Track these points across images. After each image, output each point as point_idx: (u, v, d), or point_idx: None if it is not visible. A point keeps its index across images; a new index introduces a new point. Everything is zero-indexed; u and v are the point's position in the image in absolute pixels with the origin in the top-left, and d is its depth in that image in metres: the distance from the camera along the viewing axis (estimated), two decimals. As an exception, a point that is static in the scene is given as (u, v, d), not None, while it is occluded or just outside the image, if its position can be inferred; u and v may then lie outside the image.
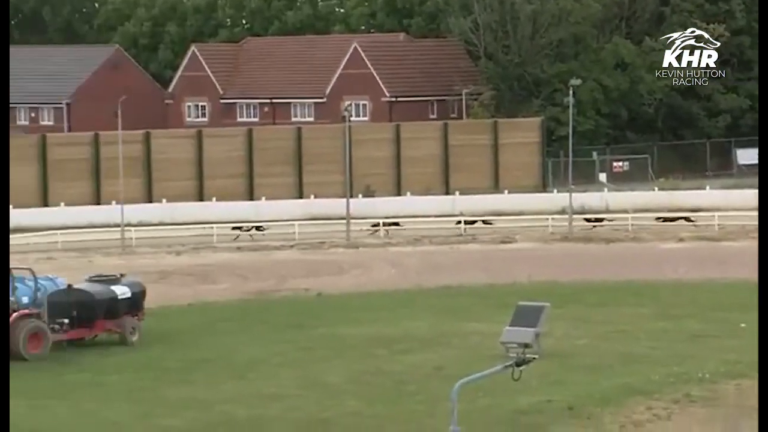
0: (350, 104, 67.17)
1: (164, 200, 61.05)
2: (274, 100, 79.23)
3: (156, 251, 51.91)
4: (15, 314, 32.06)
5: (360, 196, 61.57)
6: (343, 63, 76.82)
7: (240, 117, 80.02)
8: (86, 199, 61.21)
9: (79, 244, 52.76)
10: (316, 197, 62.17)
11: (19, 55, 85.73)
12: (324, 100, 77.40)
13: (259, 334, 34.81)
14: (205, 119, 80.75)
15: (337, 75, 77.05)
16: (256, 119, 78.85)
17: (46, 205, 60.55)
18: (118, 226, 53.09)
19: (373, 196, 63.28)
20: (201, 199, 62.68)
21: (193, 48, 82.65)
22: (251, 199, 63.18)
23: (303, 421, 26.01)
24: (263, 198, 62.26)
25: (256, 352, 32.48)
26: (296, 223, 56.47)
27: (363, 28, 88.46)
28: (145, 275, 40.89)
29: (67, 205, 59.42)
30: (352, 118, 61.96)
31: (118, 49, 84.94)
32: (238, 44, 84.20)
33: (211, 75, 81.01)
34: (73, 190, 61.20)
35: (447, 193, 64.99)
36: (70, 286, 33.74)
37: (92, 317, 33.35)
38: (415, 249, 52.49)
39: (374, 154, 65.59)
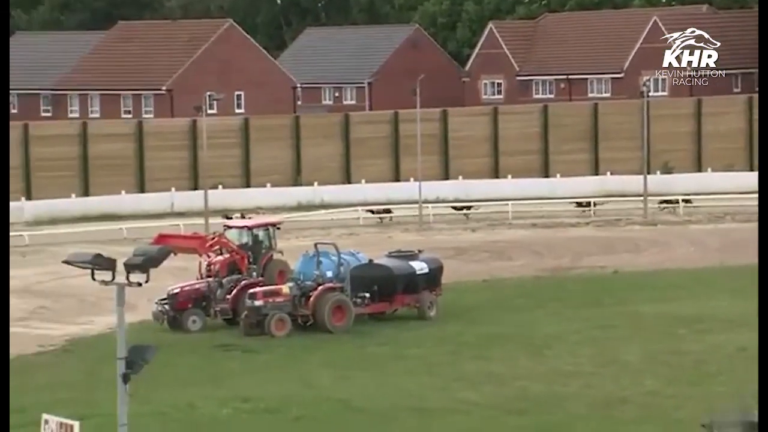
0: (649, 79, 65.80)
1: (460, 177, 61.78)
2: (570, 76, 78.61)
3: (452, 227, 52.63)
4: (320, 287, 33.28)
5: (658, 172, 60.33)
6: (642, 37, 75.30)
7: (535, 94, 79.85)
8: (385, 176, 62.70)
9: (378, 220, 54.15)
10: (611, 174, 61.37)
11: (325, 37, 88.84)
12: (621, 75, 76.16)
13: (555, 311, 34.73)
14: (501, 96, 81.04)
15: (635, 50, 75.62)
16: (552, 96, 78.47)
17: (348, 181, 62.41)
18: (415, 202, 54.14)
19: (671, 172, 61.86)
20: (496, 176, 63.03)
21: (490, 25, 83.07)
22: (546, 176, 63.02)
23: (600, 398, 25.80)
24: (558, 175, 62.00)
25: (552, 328, 32.44)
26: (592, 199, 55.96)
27: (663, 1, 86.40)
28: (441, 251, 41.52)
29: (367, 181, 61.09)
30: (650, 94, 60.69)
31: (418, 29, 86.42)
32: (534, 21, 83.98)
33: (507, 52, 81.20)
34: (373, 168, 62.81)
35: (751, 169, 62.75)
36: (371, 261, 34.68)
37: (392, 292, 34.16)
38: (717, 227, 51.00)
39: (673, 130, 64.06)
